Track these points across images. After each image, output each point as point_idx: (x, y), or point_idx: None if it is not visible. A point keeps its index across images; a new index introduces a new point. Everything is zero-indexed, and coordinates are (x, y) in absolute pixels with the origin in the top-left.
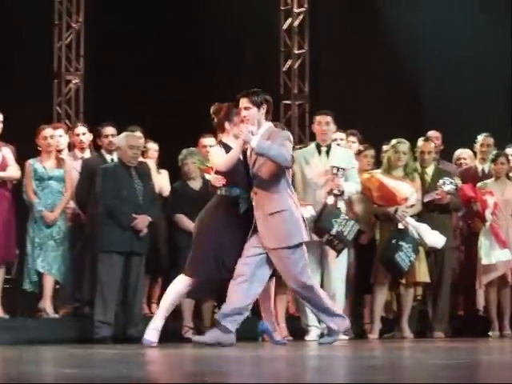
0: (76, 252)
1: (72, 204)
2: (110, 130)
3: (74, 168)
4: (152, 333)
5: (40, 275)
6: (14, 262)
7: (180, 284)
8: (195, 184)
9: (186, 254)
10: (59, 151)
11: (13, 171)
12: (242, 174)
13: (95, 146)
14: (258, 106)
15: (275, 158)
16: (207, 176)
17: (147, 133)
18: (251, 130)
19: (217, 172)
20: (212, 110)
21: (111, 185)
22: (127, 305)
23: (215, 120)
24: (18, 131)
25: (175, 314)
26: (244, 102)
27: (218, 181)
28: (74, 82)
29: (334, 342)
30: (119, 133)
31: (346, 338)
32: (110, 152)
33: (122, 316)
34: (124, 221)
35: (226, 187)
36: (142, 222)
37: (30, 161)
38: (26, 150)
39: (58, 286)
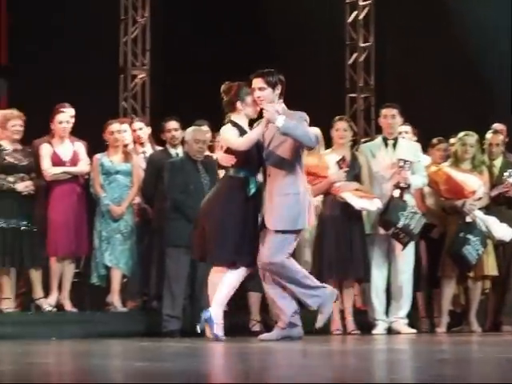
0: (143, 246)
1: (138, 199)
2: (172, 124)
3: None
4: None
5: (108, 269)
6: (82, 256)
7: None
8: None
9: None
10: (126, 146)
11: (83, 166)
12: (253, 155)
13: (160, 141)
14: (273, 86)
15: (301, 137)
16: (215, 154)
17: (215, 127)
18: (277, 110)
19: (227, 151)
20: (222, 88)
21: (178, 179)
22: (195, 299)
23: (225, 99)
24: (85, 126)
25: (243, 308)
26: (258, 82)
27: (228, 160)
28: (139, 76)
29: (326, 317)
30: (185, 127)
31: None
32: (174, 146)
33: (190, 310)
34: (191, 215)
35: (235, 168)
36: None
37: (98, 155)
38: (94, 144)
39: (125, 280)
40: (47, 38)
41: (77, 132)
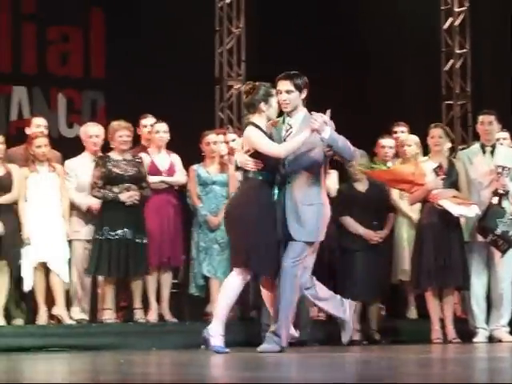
0: None
1: None
2: None
3: None
4: (220, 339)
5: (206, 279)
6: (180, 267)
7: (234, 280)
8: (361, 186)
9: (354, 256)
10: (222, 156)
11: (179, 176)
12: (274, 160)
13: None
14: (300, 89)
15: (343, 150)
16: (235, 157)
17: None
18: (325, 121)
19: (252, 154)
20: (244, 88)
21: None
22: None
23: (246, 99)
24: (182, 137)
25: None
26: (286, 85)
27: (252, 165)
28: (235, 87)
29: (270, 350)
30: None
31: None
32: None
33: None
34: None
35: (258, 171)
36: None
37: (194, 166)
38: (190, 155)
39: None
40: (142, 51)
41: (173, 143)
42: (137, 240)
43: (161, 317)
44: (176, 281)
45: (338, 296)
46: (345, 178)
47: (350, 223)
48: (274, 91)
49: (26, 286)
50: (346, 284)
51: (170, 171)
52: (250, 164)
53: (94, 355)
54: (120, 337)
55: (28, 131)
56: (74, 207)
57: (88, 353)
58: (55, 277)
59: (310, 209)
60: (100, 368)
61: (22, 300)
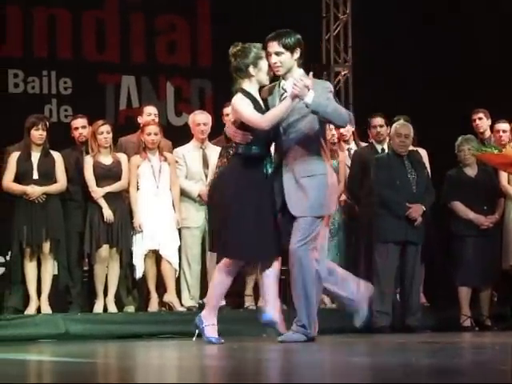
0: (350, 242)
1: (344, 196)
2: (378, 120)
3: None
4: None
5: None
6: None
7: (222, 268)
8: (471, 171)
9: (465, 242)
10: (332, 143)
11: None
12: (265, 131)
13: (364, 137)
14: (292, 50)
15: (332, 116)
16: (224, 129)
17: (418, 122)
18: (307, 85)
19: (240, 126)
20: (231, 50)
21: (385, 175)
22: (404, 294)
23: (233, 63)
24: None
25: (452, 303)
26: (274, 46)
27: (241, 137)
28: (342, 73)
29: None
30: (390, 123)
31: None
32: (379, 142)
33: (400, 305)
34: (398, 210)
35: (247, 145)
36: (416, 211)
37: None
38: None
39: None
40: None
41: None
42: None
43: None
44: (285, 267)
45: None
46: (455, 162)
47: (461, 208)
48: (263, 53)
49: (138, 274)
50: (457, 270)
51: None
52: (238, 136)
53: (205, 342)
54: (230, 323)
55: (140, 120)
56: (183, 195)
57: (199, 340)
58: (166, 264)
59: (310, 180)
60: (212, 353)
61: (133, 287)
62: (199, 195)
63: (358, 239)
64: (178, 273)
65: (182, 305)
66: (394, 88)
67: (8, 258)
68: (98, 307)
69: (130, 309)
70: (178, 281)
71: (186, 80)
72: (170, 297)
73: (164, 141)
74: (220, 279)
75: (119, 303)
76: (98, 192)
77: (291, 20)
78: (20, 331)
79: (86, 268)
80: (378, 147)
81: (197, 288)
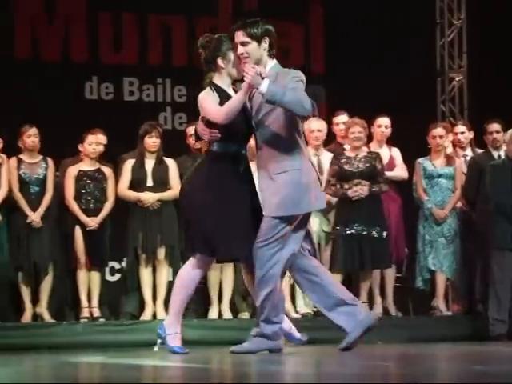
0: (467, 249)
1: (460, 202)
2: (495, 126)
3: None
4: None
5: (431, 273)
6: (404, 261)
7: (186, 271)
8: None
9: None
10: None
11: (399, 171)
12: (239, 125)
13: (480, 143)
14: (258, 39)
15: (290, 105)
16: (198, 127)
17: None
18: (259, 72)
19: (209, 124)
20: (200, 42)
21: (501, 181)
22: None
23: (203, 56)
24: (404, 131)
25: None
26: (239, 36)
27: (208, 134)
28: (457, 79)
29: (251, 350)
30: (507, 129)
31: None
32: (496, 148)
33: None
34: None
35: (220, 142)
36: None
37: (420, 160)
38: (413, 149)
39: (448, 283)
40: (358, 46)
41: (395, 137)
42: (373, 234)
43: (385, 311)
44: (399, 275)
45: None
46: None
47: None
48: (232, 44)
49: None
50: None
51: (390, 165)
52: (206, 134)
53: (317, 348)
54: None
55: None
56: None
57: (311, 346)
58: None
59: (282, 177)
60: (324, 360)
61: (248, 294)
62: None
63: (474, 246)
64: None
65: (296, 312)
66: (509, 94)
67: (123, 264)
68: (213, 313)
69: (245, 315)
70: (292, 287)
71: None
72: (285, 303)
73: None
74: (183, 283)
75: (234, 309)
76: None
77: (405, 25)
78: (136, 337)
79: None
80: (495, 154)
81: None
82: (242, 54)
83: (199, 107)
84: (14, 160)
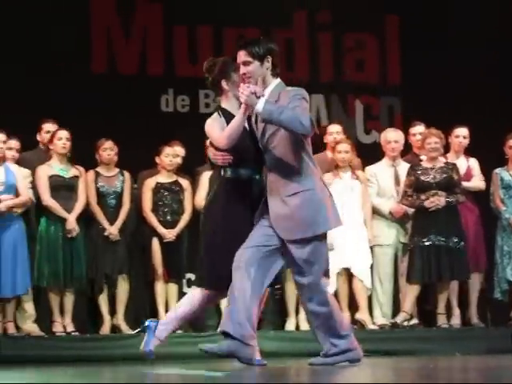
0: None
1: None
2: None
3: None
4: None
5: (510, 284)
6: (482, 271)
7: (196, 297)
8: None
9: None
10: None
11: (476, 182)
12: (250, 149)
13: None
14: (261, 58)
15: (288, 123)
16: (209, 153)
17: None
18: (255, 91)
19: (218, 148)
20: (204, 66)
21: None
22: None
23: (209, 80)
24: (481, 140)
25: None
26: (241, 56)
27: (221, 158)
28: None
29: (329, 363)
30: None
31: None
32: None
33: None
34: None
35: (233, 167)
36: None
37: (497, 170)
38: (491, 159)
39: None
40: (436, 57)
41: (473, 147)
42: (450, 244)
43: (464, 322)
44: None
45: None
46: None
47: None
48: (236, 65)
49: (330, 291)
50: None
51: (468, 176)
52: (218, 158)
53: (394, 360)
54: (421, 342)
55: (325, 139)
56: (375, 212)
57: (389, 358)
58: (358, 282)
59: (294, 199)
60: (405, 373)
61: None
62: (390, 212)
63: None
64: (369, 291)
65: (373, 323)
66: None
67: None
68: (290, 325)
69: None
70: (369, 298)
71: (375, 98)
72: (362, 315)
73: (355, 159)
74: (194, 302)
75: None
76: None
77: (472, 34)
78: None
79: (277, 286)
80: None
81: (389, 306)
82: (244, 73)
83: (207, 133)
84: (91, 173)
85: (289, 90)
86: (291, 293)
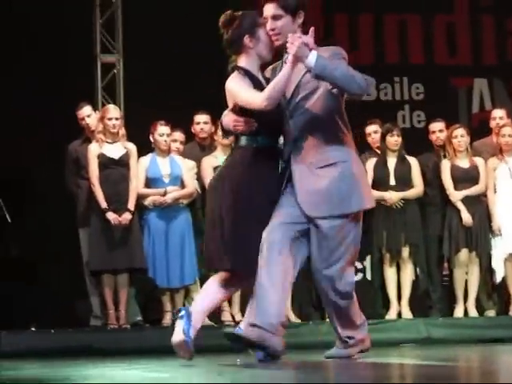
0: None
1: None
2: None
3: None
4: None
5: None
6: None
7: (213, 285)
8: None
9: None
10: None
11: None
12: (270, 115)
13: None
14: (293, 12)
15: (343, 81)
16: (227, 121)
17: None
18: (307, 42)
19: (240, 112)
20: (221, 20)
21: None
22: None
23: (226, 36)
24: None
25: None
26: (271, 9)
27: (242, 125)
28: None
29: (344, 356)
30: None
31: None
32: None
33: None
34: None
35: (251, 136)
36: None
37: None
38: None
39: None
40: None
41: None
42: None
43: None
44: None
45: None
46: None
47: None
48: (261, 20)
49: (497, 278)
50: None
51: None
52: (239, 125)
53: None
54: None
55: (492, 124)
56: None
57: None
58: None
59: (326, 171)
60: None
61: (493, 291)
62: None
63: None
64: None
65: None
66: None
67: (365, 263)
68: (459, 311)
69: (491, 313)
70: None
71: None
72: None
73: None
74: (210, 295)
75: (479, 307)
76: (456, 195)
77: None
78: (382, 335)
79: (445, 272)
80: None
81: None
82: (272, 29)
83: (228, 96)
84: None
85: (324, 48)
86: (460, 279)
